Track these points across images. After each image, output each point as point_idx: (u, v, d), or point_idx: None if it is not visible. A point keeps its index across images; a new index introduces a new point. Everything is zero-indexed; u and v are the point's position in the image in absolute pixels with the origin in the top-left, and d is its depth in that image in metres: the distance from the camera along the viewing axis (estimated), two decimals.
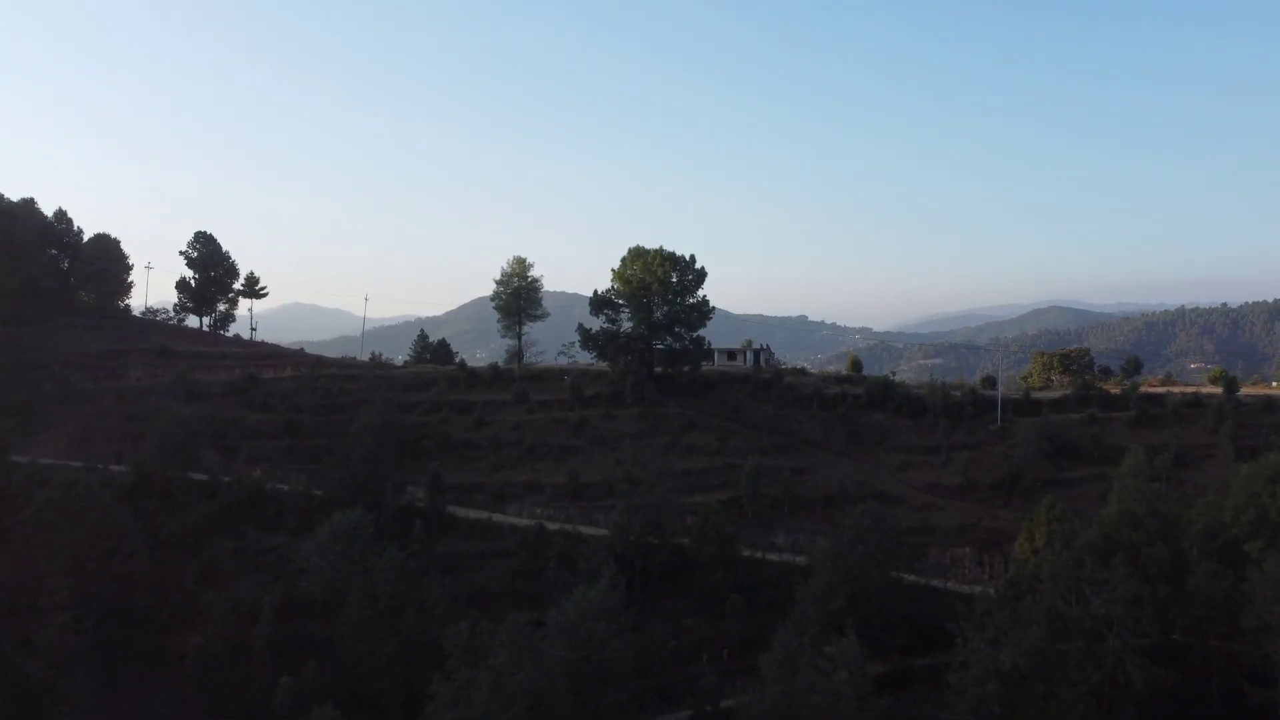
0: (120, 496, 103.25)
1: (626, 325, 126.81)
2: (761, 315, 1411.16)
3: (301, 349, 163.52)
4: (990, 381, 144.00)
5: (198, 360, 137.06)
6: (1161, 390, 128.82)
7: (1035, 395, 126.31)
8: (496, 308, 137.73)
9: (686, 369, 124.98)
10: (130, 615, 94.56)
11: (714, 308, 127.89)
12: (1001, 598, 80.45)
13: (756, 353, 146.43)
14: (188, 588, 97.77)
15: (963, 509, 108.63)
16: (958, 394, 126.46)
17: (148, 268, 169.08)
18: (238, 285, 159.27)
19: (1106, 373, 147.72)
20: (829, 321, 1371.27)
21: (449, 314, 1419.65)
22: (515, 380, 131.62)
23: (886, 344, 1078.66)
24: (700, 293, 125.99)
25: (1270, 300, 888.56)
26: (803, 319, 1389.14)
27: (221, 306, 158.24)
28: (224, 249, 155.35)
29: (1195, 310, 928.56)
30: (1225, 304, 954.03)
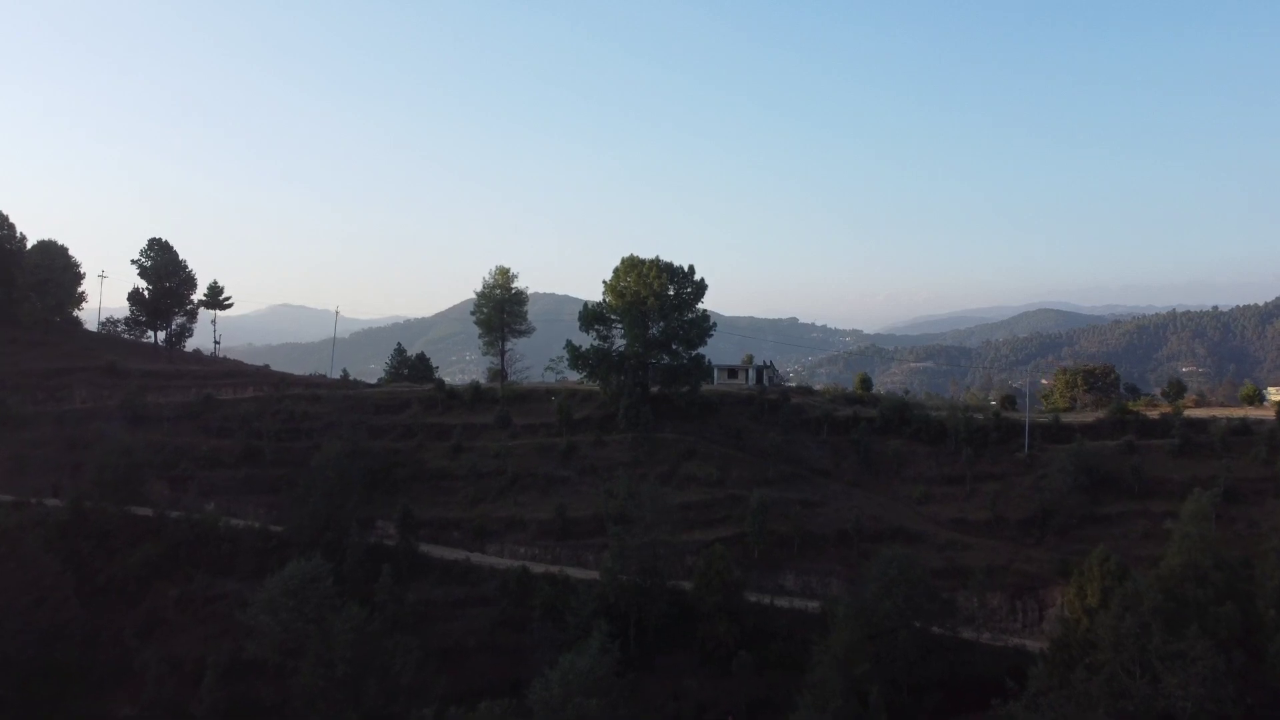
0: (53, 536, 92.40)
1: (619, 342, 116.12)
2: (752, 317, 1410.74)
3: (266, 366, 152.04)
4: (1011, 401, 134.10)
5: (150, 380, 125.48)
6: (1203, 414, 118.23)
7: (1065, 419, 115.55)
8: (478, 322, 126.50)
9: (685, 390, 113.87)
10: (59, 674, 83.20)
11: (714, 323, 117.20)
12: (1050, 664, 70.24)
13: (759, 370, 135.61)
14: (125, 642, 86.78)
15: (991, 548, 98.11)
16: (980, 417, 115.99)
17: (101, 276, 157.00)
18: (198, 296, 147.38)
19: (1133, 391, 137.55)
20: (819, 324, 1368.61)
21: (437, 315, 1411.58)
22: (498, 401, 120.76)
23: (877, 346, 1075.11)
24: (700, 307, 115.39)
25: (1261, 303, 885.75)
26: (793, 321, 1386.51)
27: (179, 320, 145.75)
28: (181, 257, 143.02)
29: (1186, 314, 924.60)
30: (1216, 307, 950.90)
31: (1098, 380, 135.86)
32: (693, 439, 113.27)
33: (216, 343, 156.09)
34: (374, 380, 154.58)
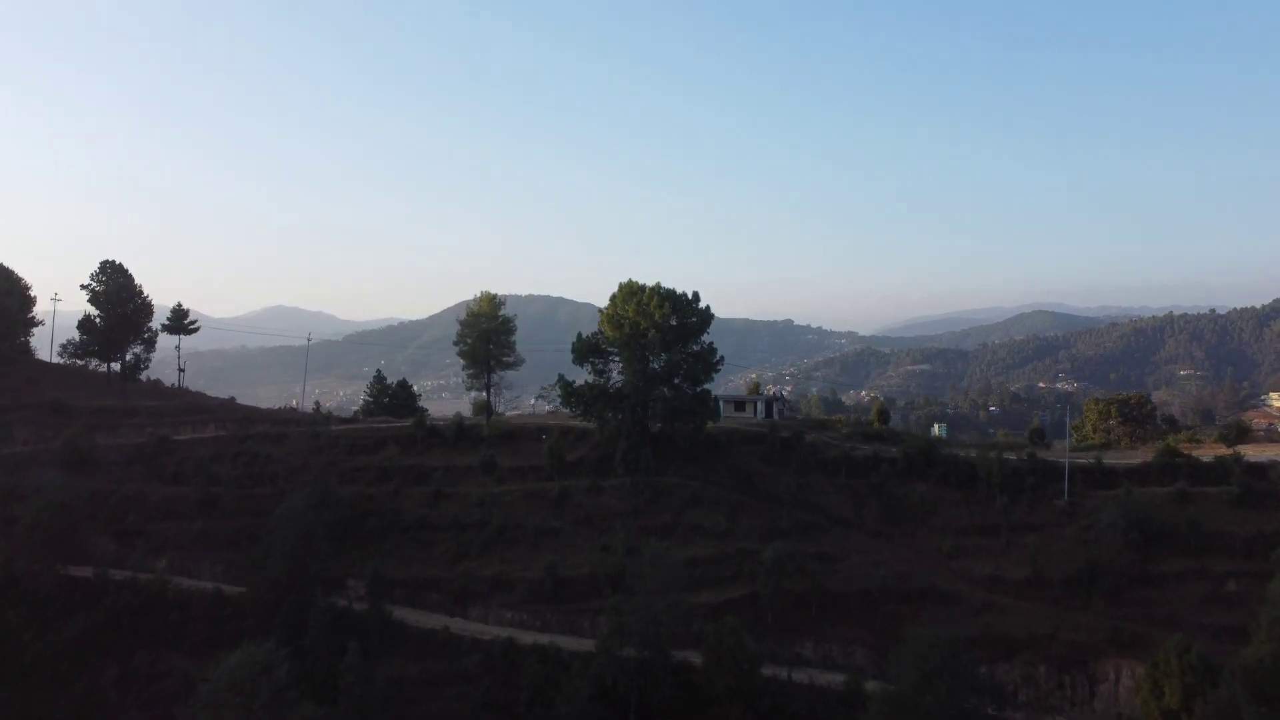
0: None
1: (616, 376, 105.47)
2: (748, 319, 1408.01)
3: (232, 398, 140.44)
4: (1040, 434, 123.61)
5: (99, 418, 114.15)
6: (1254, 449, 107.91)
7: (1108, 460, 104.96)
8: (461, 354, 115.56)
9: (688, 431, 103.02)
10: None
11: (722, 357, 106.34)
12: None
13: (769, 402, 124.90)
14: None
15: (1033, 612, 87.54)
16: (1013, 457, 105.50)
17: (54, 300, 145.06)
18: (160, 321, 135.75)
19: (1171, 424, 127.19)
20: (815, 325, 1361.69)
21: (431, 318, 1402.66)
22: (483, 440, 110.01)
23: (873, 349, 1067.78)
24: (706, 338, 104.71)
25: (1259, 306, 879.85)
26: (789, 323, 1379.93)
27: (135, 349, 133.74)
28: (137, 281, 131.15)
29: (1184, 316, 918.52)
30: (1214, 310, 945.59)
31: (1133, 410, 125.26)
32: (698, 484, 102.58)
33: (181, 370, 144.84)
34: (356, 405, 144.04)
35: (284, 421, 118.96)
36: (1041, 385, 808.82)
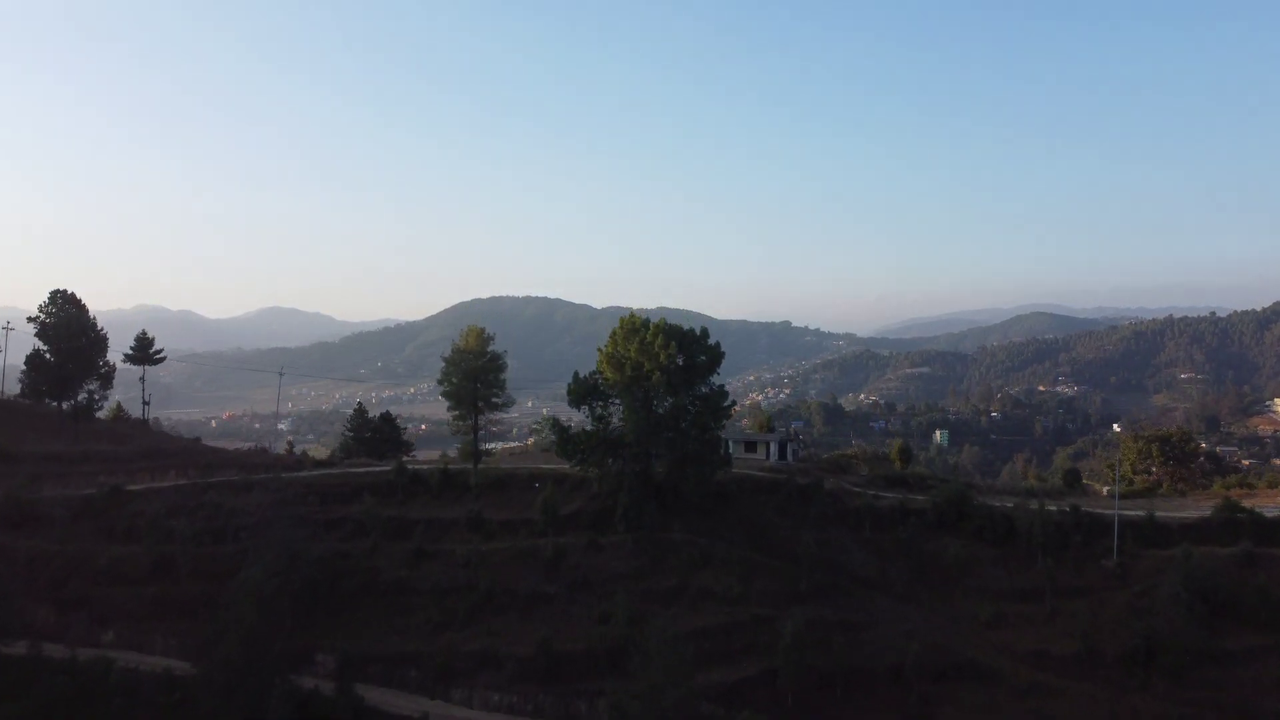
0: None
1: (616, 419, 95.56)
2: (745, 320, 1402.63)
3: (198, 440, 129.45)
4: (1076, 476, 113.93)
5: (46, 466, 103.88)
6: None
7: (1161, 514, 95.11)
8: (445, 394, 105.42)
9: (697, 479, 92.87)
10: None
11: (734, 401, 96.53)
12: None
13: (783, 443, 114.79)
14: None
15: (1086, 695, 77.71)
16: (1054, 508, 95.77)
17: (6, 328, 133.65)
18: (122, 352, 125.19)
19: (1215, 461, 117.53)
20: (813, 327, 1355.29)
21: (429, 319, 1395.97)
22: (470, 489, 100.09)
23: (871, 351, 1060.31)
24: (715, 379, 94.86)
25: (1259, 309, 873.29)
26: (786, 324, 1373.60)
27: (90, 387, 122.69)
28: (91, 313, 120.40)
29: (1184, 319, 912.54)
30: (1214, 312, 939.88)
31: (1175, 449, 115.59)
32: (707, 540, 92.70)
33: (146, 403, 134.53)
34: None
35: (252, 466, 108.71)
36: (1042, 388, 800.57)
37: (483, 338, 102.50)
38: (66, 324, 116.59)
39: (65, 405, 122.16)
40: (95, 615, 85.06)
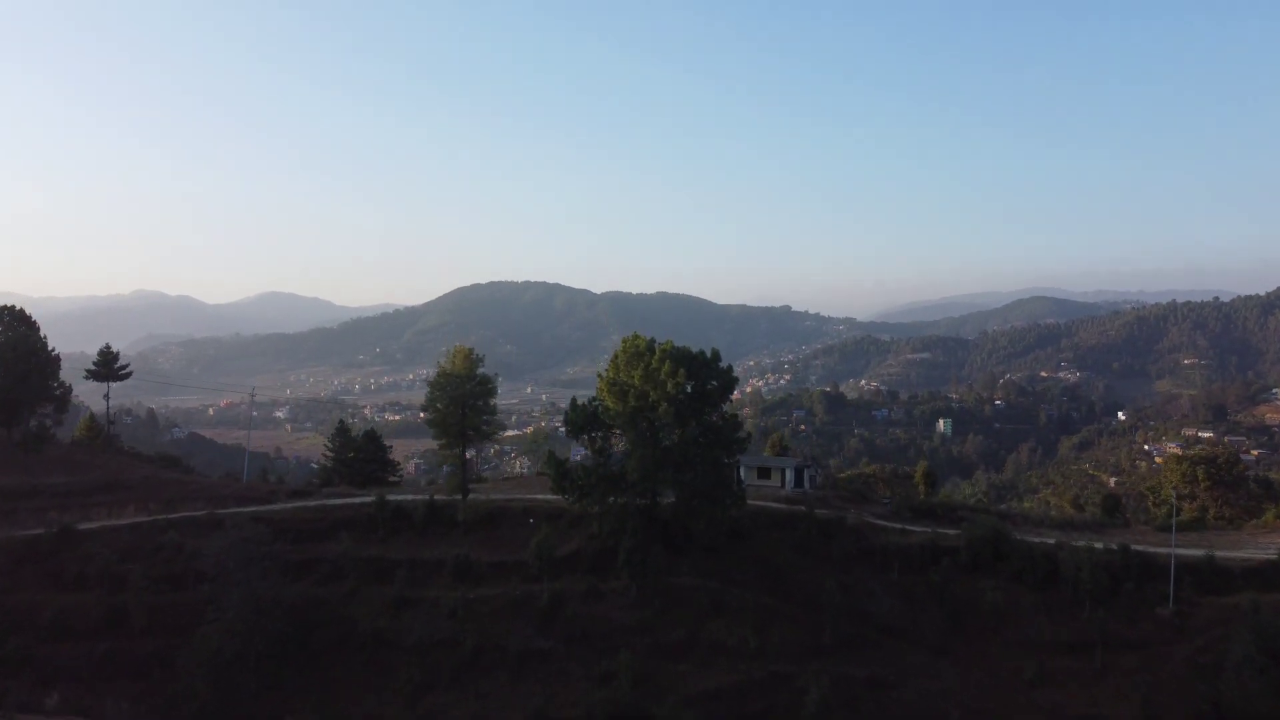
0: None
1: (618, 448, 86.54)
2: (745, 305, 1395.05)
3: (179, 464, 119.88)
4: (1114, 504, 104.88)
5: None
6: None
7: (1221, 556, 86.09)
8: (430, 422, 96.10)
9: (708, 519, 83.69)
10: None
11: (748, 433, 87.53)
12: None
13: (799, 469, 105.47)
14: None
15: None
16: (1099, 546, 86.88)
17: None
18: (84, 369, 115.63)
19: (1266, 486, 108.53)
20: (813, 312, 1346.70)
21: (428, 304, 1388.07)
22: (457, 525, 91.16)
23: (872, 336, 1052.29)
24: (726, 407, 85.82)
25: (1263, 294, 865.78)
26: (786, 309, 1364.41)
27: (44, 411, 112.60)
28: (42, 333, 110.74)
29: (1188, 304, 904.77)
30: (1217, 297, 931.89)
31: (1222, 471, 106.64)
32: (718, 584, 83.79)
33: (110, 423, 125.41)
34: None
35: (220, 499, 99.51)
36: (1044, 374, 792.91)
37: (471, 359, 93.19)
38: (14, 344, 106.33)
39: (15, 433, 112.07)
40: (39, 676, 76.22)
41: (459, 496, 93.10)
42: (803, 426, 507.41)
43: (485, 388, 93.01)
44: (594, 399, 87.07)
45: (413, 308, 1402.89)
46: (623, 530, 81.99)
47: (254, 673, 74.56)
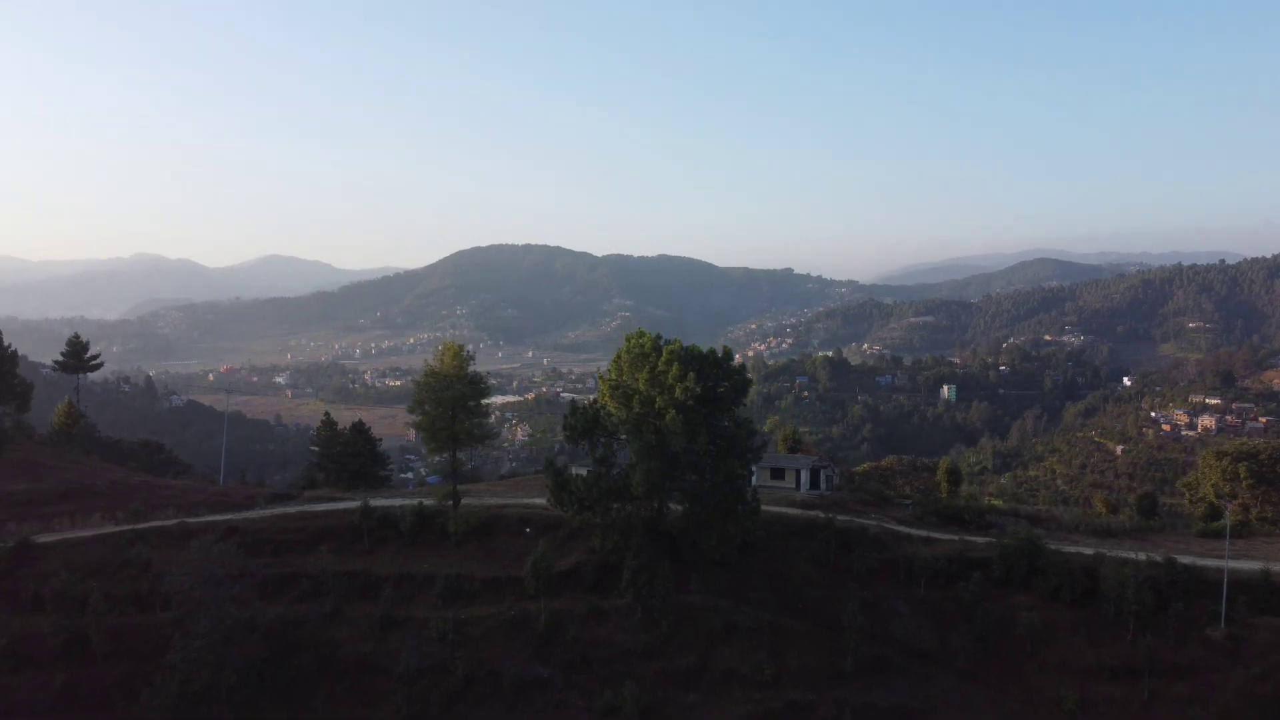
0: None
1: (621, 455, 79.70)
2: (747, 268, 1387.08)
3: (134, 467, 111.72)
4: (1151, 502, 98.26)
5: None
6: None
7: (1278, 572, 79.22)
8: (418, 427, 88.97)
9: (719, 536, 76.79)
10: None
11: (764, 442, 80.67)
12: None
13: (815, 470, 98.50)
14: None
15: None
16: (1141, 557, 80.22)
17: None
18: (52, 359, 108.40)
19: None
20: (815, 274, 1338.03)
21: (428, 268, 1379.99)
22: (448, 535, 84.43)
23: (875, 300, 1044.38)
24: (743, 414, 78.80)
25: (1270, 256, 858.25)
26: (788, 272, 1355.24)
27: (3, 410, 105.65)
28: None
29: (1193, 268, 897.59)
30: (1223, 260, 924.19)
31: (1266, 468, 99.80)
32: (730, 603, 77.32)
33: (84, 416, 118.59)
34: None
35: (193, 505, 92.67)
36: (1048, 338, 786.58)
37: (461, 356, 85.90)
38: None
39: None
40: None
41: (450, 508, 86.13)
42: (806, 393, 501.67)
43: (477, 388, 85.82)
44: (594, 401, 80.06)
45: (413, 271, 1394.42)
46: (627, 547, 75.32)
47: (226, 704, 68.37)
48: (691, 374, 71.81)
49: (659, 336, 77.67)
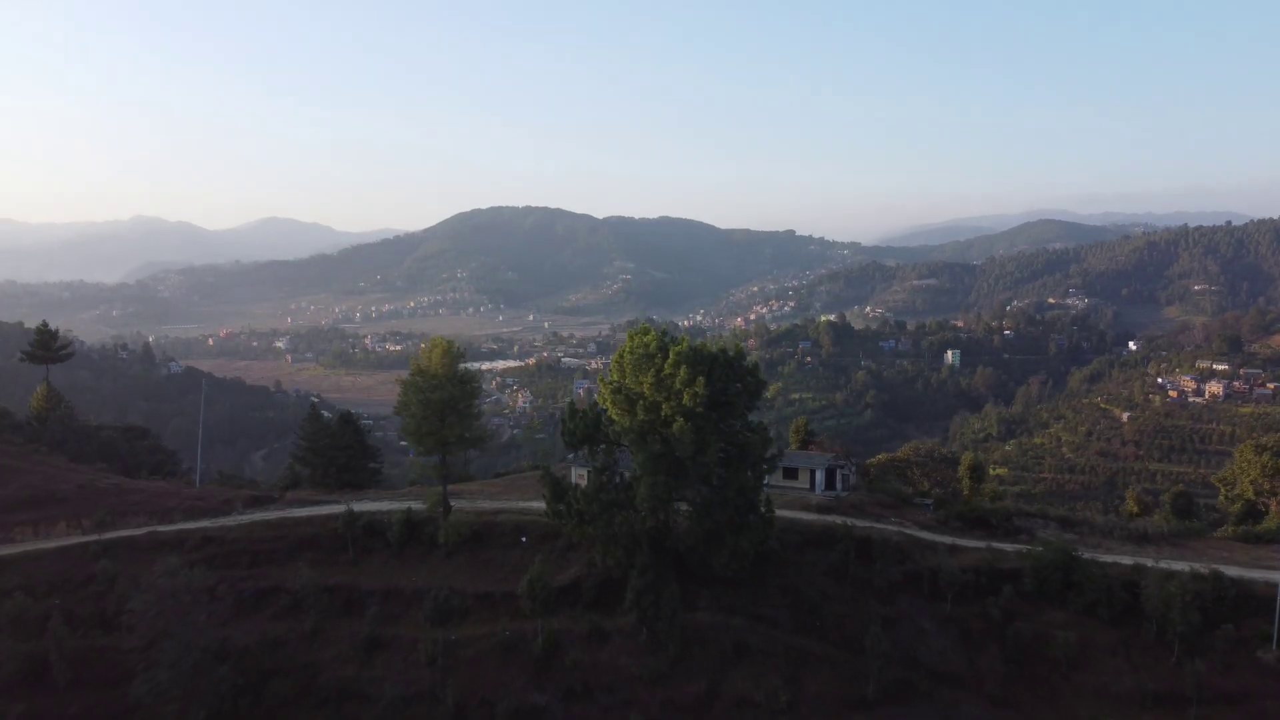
0: None
1: (623, 458, 73.66)
2: (749, 229, 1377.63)
3: (102, 469, 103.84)
4: (1185, 501, 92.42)
5: None
6: None
7: None
8: (404, 430, 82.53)
9: (730, 553, 70.82)
10: None
11: (780, 450, 74.49)
12: None
13: (830, 470, 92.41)
14: None
15: None
16: (1184, 570, 74.44)
17: None
18: (19, 350, 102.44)
19: None
20: (817, 236, 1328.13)
21: (429, 230, 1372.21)
22: (438, 546, 78.60)
23: (877, 262, 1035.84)
24: (755, 418, 72.64)
25: (1277, 217, 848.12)
26: (790, 234, 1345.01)
27: None
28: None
29: (1199, 229, 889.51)
30: (1229, 221, 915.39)
31: None
32: (742, 622, 71.63)
33: (63, 400, 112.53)
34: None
35: (165, 510, 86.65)
36: (1052, 301, 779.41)
37: (451, 354, 79.41)
38: None
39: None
40: None
41: (439, 516, 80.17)
42: (809, 359, 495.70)
43: (468, 389, 79.41)
44: (594, 406, 73.85)
45: (413, 233, 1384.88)
46: (631, 564, 69.52)
47: None
48: (701, 378, 65.48)
49: (664, 334, 71.31)
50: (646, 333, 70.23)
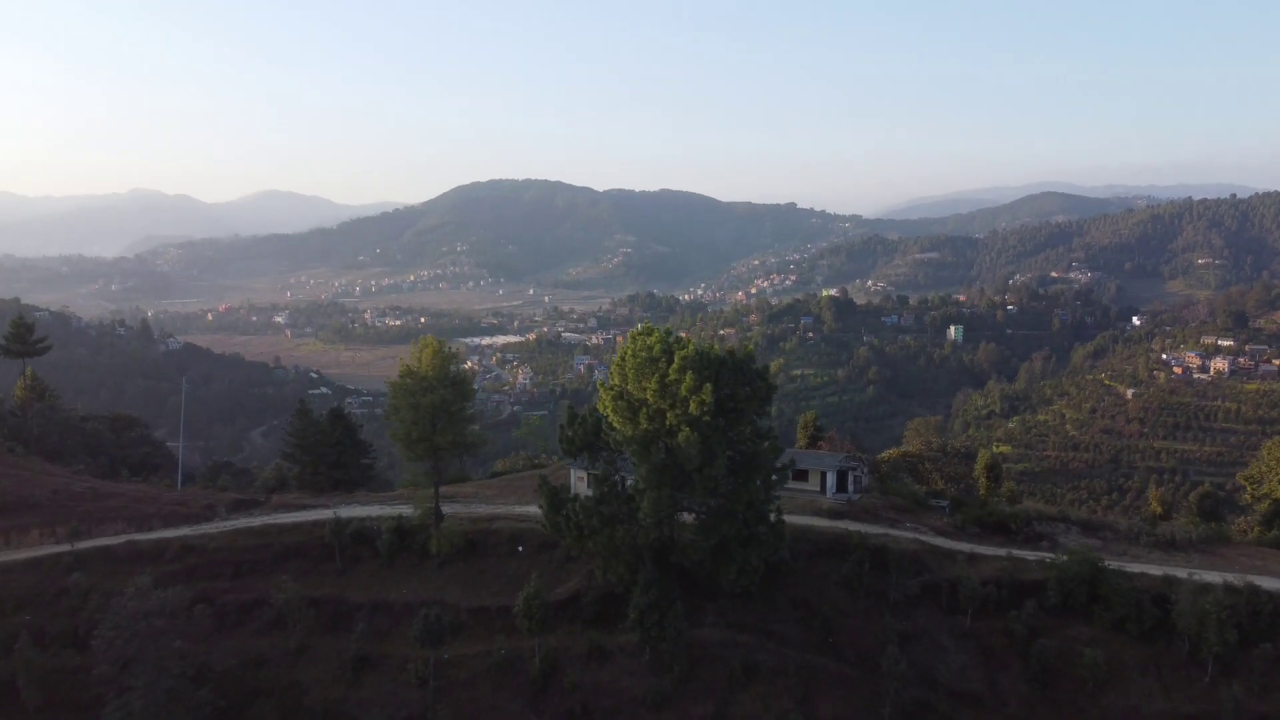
0: None
1: (624, 464, 69.56)
2: (750, 203, 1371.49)
3: (78, 473, 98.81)
4: (1211, 503, 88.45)
5: None
6: None
7: None
8: (393, 436, 78.27)
9: (739, 568, 66.80)
10: None
11: (791, 460, 70.31)
12: None
13: (842, 472, 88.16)
14: None
15: None
16: (1217, 581, 70.44)
17: None
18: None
19: None
20: (818, 209, 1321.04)
21: (428, 203, 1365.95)
22: (430, 556, 74.63)
23: (879, 235, 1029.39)
24: (765, 422, 68.44)
25: None
26: (791, 206, 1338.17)
27: None
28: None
29: (1203, 202, 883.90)
30: (1234, 194, 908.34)
31: None
32: (751, 639, 67.78)
33: (48, 389, 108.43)
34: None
35: (144, 516, 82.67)
36: (1055, 274, 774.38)
37: (443, 354, 75.03)
38: None
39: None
40: None
41: (431, 526, 76.13)
42: (810, 334, 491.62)
43: (461, 392, 75.07)
44: (594, 411, 69.62)
45: (412, 207, 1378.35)
46: (633, 580, 65.60)
47: None
48: (708, 385, 61.16)
49: (668, 334, 66.90)
50: (649, 334, 65.82)
